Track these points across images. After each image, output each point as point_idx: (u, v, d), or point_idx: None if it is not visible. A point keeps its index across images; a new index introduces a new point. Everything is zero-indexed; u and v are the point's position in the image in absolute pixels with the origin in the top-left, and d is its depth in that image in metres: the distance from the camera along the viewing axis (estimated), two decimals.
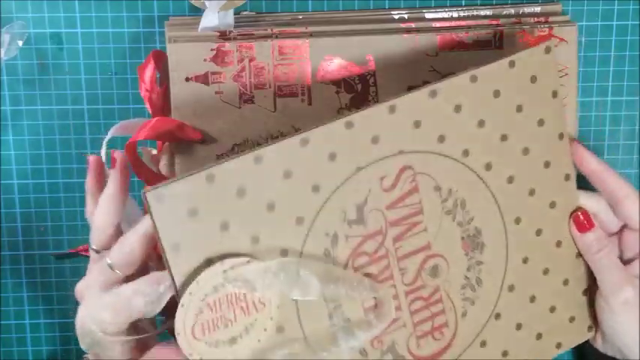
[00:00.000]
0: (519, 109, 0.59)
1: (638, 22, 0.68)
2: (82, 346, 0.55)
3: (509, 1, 0.67)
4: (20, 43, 0.64)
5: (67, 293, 0.71)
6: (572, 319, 0.65)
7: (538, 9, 0.65)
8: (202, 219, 0.50)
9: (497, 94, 0.58)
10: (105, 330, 0.54)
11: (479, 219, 0.60)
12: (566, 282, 0.64)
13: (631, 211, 0.61)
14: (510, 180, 0.60)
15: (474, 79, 0.57)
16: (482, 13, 0.65)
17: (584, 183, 0.62)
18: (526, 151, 0.60)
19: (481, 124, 0.58)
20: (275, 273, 0.52)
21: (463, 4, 0.67)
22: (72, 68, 0.66)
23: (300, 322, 0.55)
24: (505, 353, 0.63)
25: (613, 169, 0.61)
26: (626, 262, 0.63)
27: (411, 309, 0.59)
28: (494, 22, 0.65)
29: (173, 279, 0.50)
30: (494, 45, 0.63)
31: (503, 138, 0.59)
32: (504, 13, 0.65)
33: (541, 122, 0.60)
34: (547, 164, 0.61)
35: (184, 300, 0.50)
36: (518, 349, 0.63)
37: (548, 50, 0.59)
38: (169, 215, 0.50)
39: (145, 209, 0.50)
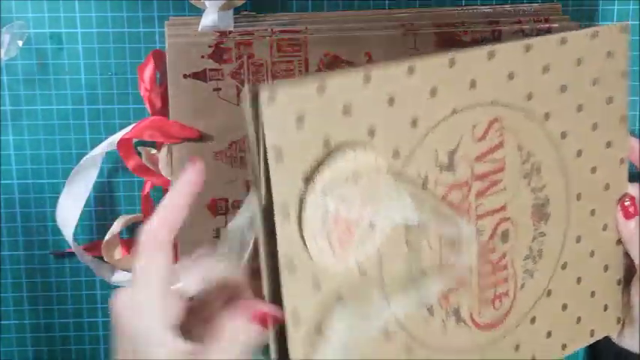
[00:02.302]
0: (595, 82, 0.58)
1: (638, 22, 0.68)
2: None
3: (509, 1, 0.67)
4: (20, 43, 0.64)
5: (67, 293, 0.71)
6: (606, 308, 0.63)
7: (538, 9, 0.65)
8: (307, 130, 0.47)
9: (579, 62, 0.57)
10: None
11: (549, 188, 0.58)
12: (606, 268, 0.62)
13: None
14: (579, 154, 0.59)
15: (563, 41, 0.56)
16: (481, 12, 0.66)
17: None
18: (595, 126, 0.59)
19: (563, 89, 0.57)
20: (373, 187, 0.49)
21: (463, 3, 0.67)
22: (72, 68, 0.67)
23: (380, 267, 0.52)
24: (549, 334, 0.61)
25: None
26: None
27: (480, 271, 0.56)
28: (493, 22, 0.65)
29: (269, 189, 0.46)
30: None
31: (579, 108, 0.58)
32: (503, 12, 0.66)
33: (610, 100, 0.59)
34: (608, 144, 0.60)
35: (309, 203, 0.46)
36: (560, 331, 0.61)
37: (623, 29, 0.58)
38: (278, 117, 0.46)
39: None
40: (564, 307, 0.61)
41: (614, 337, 0.65)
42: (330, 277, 0.49)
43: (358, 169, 0.48)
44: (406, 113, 0.51)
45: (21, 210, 0.69)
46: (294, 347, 0.49)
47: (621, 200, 0.61)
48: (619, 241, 0.62)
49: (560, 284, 0.60)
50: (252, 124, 0.46)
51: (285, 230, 0.46)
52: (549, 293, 0.60)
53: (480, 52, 0.53)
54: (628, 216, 0.61)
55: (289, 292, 0.48)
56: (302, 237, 0.47)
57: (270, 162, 0.46)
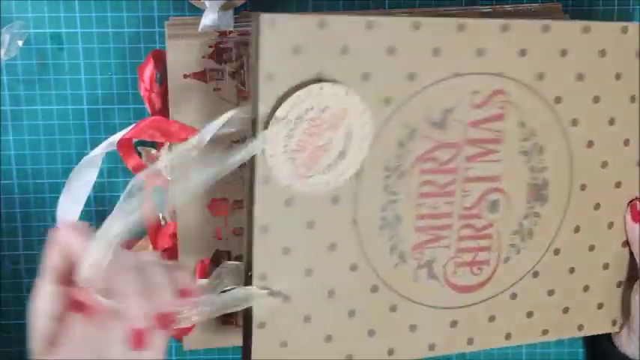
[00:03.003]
0: (618, 77, 0.58)
1: (638, 22, 0.68)
2: None
3: (509, 1, 0.67)
4: (20, 43, 0.64)
5: None
6: (600, 306, 0.64)
7: (538, 9, 0.65)
8: (302, 61, 0.51)
9: (603, 53, 0.57)
10: None
11: (550, 172, 0.59)
12: (606, 266, 0.63)
13: None
14: (590, 145, 0.59)
15: (586, 29, 0.56)
16: (481, 12, 0.66)
17: None
18: (612, 121, 0.59)
19: (580, 77, 0.57)
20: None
21: (463, 4, 0.67)
22: (72, 68, 0.67)
23: (355, 203, 0.55)
24: (530, 314, 0.62)
25: None
26: None
27: (460, 234, 0.58)
28: None
29: (257, 108, 0.51)
30: None
31: (596, 100, 0.58)
32: (504, 12, 0.65)
33: (633, 99, 0.59)
34: (626, 142, 0.60)
35: (275, 122, 0.51)
36: (543, 315, 0.62)
37: None
38: (274, 44, 0.50)
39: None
40: (551, 292, 0.62)
41: (615, 340, 0.65)
42: (302, 199, 0.54)
43: (324, 101, 0.52)
44: (404, 66, 0.53)
45: (21, 210, 0.69)
46: (259, 261, 0.54)
47: (632, 202, 0.61)
48: (625, 243, 0.62)
49: (549, 269, 0.61)
50: (254, 52, 0.50)
51: (259, 147, 0.52)
52: (536, 275, 0.61)
53: (492, 23, 0.54)
54: (636, 218, 0.61)
55: (260, 205, 0.53)
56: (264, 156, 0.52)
57: (261, 82, 0.51)
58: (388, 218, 0.56)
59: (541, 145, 0.58)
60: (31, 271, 0.70)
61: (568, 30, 0.56)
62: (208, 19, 0.62)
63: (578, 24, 0.56)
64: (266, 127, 0.51)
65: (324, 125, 0.52)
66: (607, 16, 0.68)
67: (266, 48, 0.50)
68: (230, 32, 0.62)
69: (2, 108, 0.67)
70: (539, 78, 0.56)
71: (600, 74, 0.58)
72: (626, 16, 0.68)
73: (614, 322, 0.65)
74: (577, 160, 0.59)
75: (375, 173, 0.55)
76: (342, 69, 0.52)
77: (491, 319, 0.61)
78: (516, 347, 0.73)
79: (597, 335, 0.65)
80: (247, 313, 0.56)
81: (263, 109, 0.51)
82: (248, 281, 0.55)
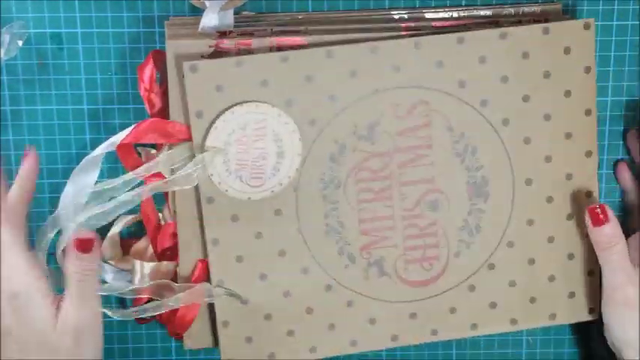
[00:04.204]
0: (547, 75, 0.61)
1: (638, 22, 0.68)
2: None
3: (509, 1, 0.67)
4: (20, 43, 0.64)
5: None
6: (572, 295, 0.65)
7: (538, 9, 0.65)
8: (226, 96, 0.58)
9: (526, 55, 0.60)
10: None
11: (488, 169, 0.62)
12: (571, 256, 0.65)
13: None
14: (527, 141, 0.62)
15: (503, 35, 0.60)
16: (482, 13, 0.65)
17: None
18: (548, 117, 0.62)
19: (504, 79, 0.60)
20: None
21: (463, 4, 0.67)
22: (72, 68, 0.67)
23: (297, 214, 0.61)
24: (493, 305, 0.65)
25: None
26: (633, 258, 0.63)
27: (405, 233, 0.63)
28: (493, 23, 0.65)
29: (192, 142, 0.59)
30: None
31: (526, 99, 0.61)
32: (504, 13, 0.65)
33: (568, 94, 0.62)
34: (568, 136, 0.62)
35: (211, 140, 0.59)
36: (509, 305, 0.65)
37: (587, 26, 0.61)
38: (198, 85, 0.58)
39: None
40: (512, 283, 0.65)
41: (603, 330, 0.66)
42: (246, 213, 0.61)
43: (241, 121, 0.59)
44: (324, 90, 0.59)
45: None
46: (215, 269, 0.62)
47: (591, 207, 0.62)
48: (587, 235, 0.64)
49: (505, 261, 0.64)
50: (184, 93, 0.58)
51: (202, 175, 0.59)
52: (491, 267, 0.64)
53: (406, 42, 0.59)
54: (597, 223, 0.62)
55: (208, 222, 0.61)
56: (211, 180, 0.60)
57: (192, 119, 0.59)
58: (332, 224, 0.62)
59: (474, 145, 0.62)
60: None
61: (485, 38, 0.60)
62: (208, 18, 0.62)
63: (496, 31, 0.60)
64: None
65: (252, 139, 0.59)
66: (607, 16, 0.68)
67: (192, 90, 0.58)
68: (230, 32, 0.62)
69: (2, 108, 0.67)
70: (460, 85, 0.60)
71: (527, 75, 0.61)
72: (626, 16, 0.68)
73: (591, 311, 0.66)
74: (516, 157, 0.62)
75: (312, 187, 0.61)
76: (264, 99, 0.58)
77: (452, 310, 0.65)
78: (516, 347, 0.73)
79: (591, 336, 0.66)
80: (212, 314, 0.64)
81: (196, 141, 0.59)
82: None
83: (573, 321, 0.67)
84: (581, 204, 0.64)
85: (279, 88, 0.58)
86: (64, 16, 0.66)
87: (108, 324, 0.72)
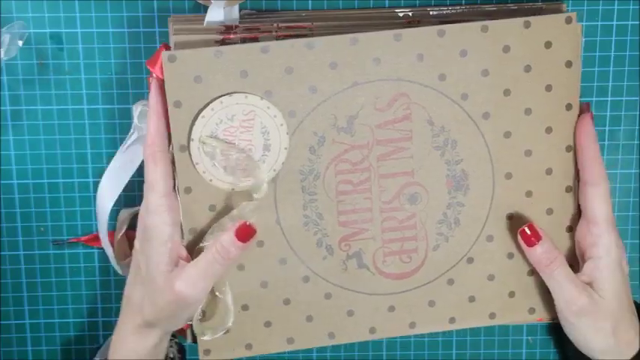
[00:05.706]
0: (528, 69, 0.61)
1: (638, 22, 0.68)
2: None
3: (509, 0, 0.67)
4: (20, 43, 0.64)
5: (67, 293, 0.71)
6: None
7: (541, 8, 0.65)
8: (205, 87, 0.58)
9: (506, 49, 0.60)
10: None
11: (468, 163, 0.62)
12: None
13: (590, 200, 0.61)
14: (507, 135, 0.62)
15: (484, 29, 0.59)
16: (484, 10, 0.65)
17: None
18: (528, 111, 0.61)
19: (485, 73, 0.60)
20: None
21: (463, 2, 0.67)
22: (72, 68, 0.67)
23: (275, 205, 0.61)
24: (472, 299, 0.65)
25: (600, 156, 0.62)
26: (579, 255, 0.63)
27: (383, 226, 0.63)
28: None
29: (170, 132, 0.59)
30: None
31: (506, 93, 0.61)
32: (508, 11, 0.65)
33: (549, 88, 0.61)
34: (549, 130, 0.62)
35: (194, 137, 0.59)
36: (487, 299, 0.65)
37: (568, 21, 0.60)
38: (177, 75, 0.57)
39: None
40: (490, 277, 0.65)
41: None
42: (224, 204, 0.61)
43: (229, 112, 0.58)
44: (304, 81, 0.59)
45: (21, 210, 0.69)
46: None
47: (521, 230, 0.62)
48: (570, 228, 0.64)
49: (483, 255, 0.64)
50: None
51: (181, 163, 0.59)
52: (470, 260, 0.64)
53: (385, 34, 0.59)
54: (530, 243, 0.62)
55: (186, 211, 0.60)
56: (196, 170, 0.59)
57: (170, 110, 0.58)
58: (311, 216, 0.62)
59: (453, 139, 0.62)
60: (31, 271, 0.70)
61: (466, 32, 0.59)
62: (214, 13, 0.61)
63: (477, 25, 0.59)
64: (183, 149, 0.59)
65: (239, 130, 0.59)
66: (607, 16, 0.68)
67: (170, 80, 0.57)
68: (236, 27, 0.61)
69: (2, 108, 0.67)
70: (441, 79, 0.60)
71: (507, 68, 0.60)
72: (626, 16, 0.68)
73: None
74: (496, 151, 0.62)
75: (291, 178, 0.61)
76: (244, 89, 0.58)
77: (431, 303, 0.65)
78: (516, 347, 0.73)
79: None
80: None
81: (175, 132, 0.59)
82: None
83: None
84: (561, 199, 0.63)
85: (258, 79, 0.58)
86: (64, 16, 0.66)
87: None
